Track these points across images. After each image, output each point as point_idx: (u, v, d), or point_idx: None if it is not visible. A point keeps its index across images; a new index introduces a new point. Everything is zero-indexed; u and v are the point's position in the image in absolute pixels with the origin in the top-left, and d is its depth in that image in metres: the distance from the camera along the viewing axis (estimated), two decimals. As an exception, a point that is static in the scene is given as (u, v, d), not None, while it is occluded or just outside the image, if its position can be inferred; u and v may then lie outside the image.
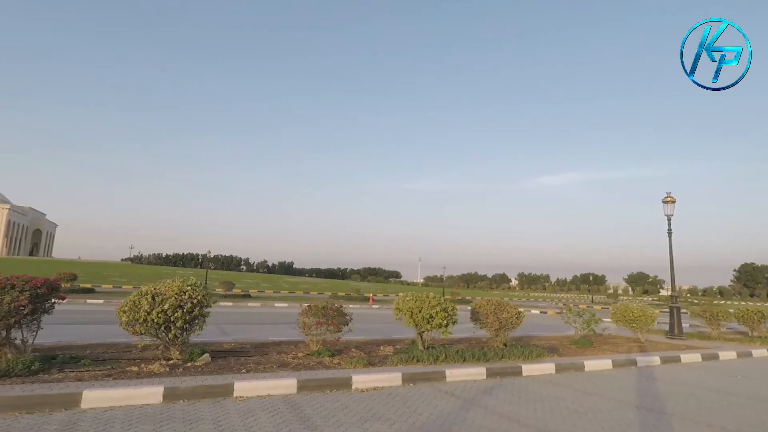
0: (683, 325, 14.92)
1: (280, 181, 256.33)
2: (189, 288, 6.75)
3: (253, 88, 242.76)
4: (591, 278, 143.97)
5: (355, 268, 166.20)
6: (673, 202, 15.16)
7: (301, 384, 5.83)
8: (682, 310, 16.38)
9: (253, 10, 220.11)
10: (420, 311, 8.18)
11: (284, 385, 5.75)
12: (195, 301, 6.65)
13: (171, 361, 6.59)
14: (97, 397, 4.84)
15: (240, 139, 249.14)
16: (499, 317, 9.35)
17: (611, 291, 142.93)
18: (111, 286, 35.25)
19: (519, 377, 7.56)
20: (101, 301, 22.21)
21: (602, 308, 34.24)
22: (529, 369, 7.85)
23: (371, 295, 40.20)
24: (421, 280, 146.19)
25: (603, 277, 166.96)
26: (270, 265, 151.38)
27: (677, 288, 16.81)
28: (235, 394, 5.43)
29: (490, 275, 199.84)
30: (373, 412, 5.05)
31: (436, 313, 8.14)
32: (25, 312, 5.77)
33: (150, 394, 5.06)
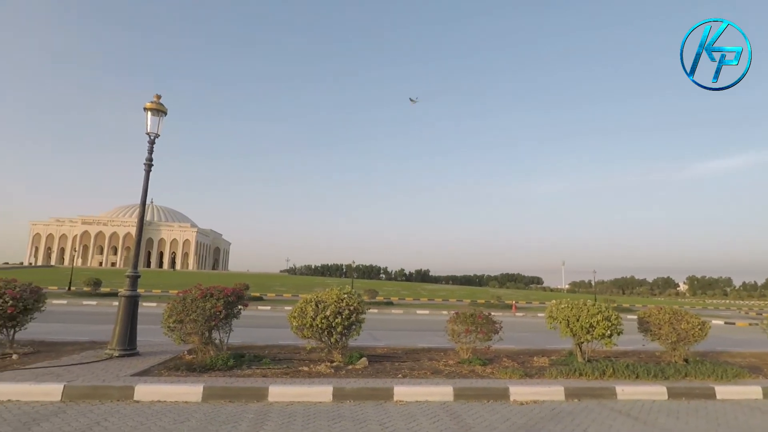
0: None
1: (414, 188, 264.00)
2: (346, 296, 7.30)
3: (369, 97, 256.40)
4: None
5: (492, 275, 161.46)
6: None
7: (457, 392, 5.80)
8: None
9: (355, 24, 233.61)
10: (578, 320, 7.53)
11: (441, 392, 5.79)
12: (351, 308, 7.16)
13: (334, 363, 7.17)
14: (280, 392, 5.51)
15: (366, 149, 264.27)
16: (677, 328, 8.07)
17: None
18: (274, 294, 40.10)
19: (711, 400, 6.38)
20: (269, 307, 25.43)
21: (817, 319, 27.18)
22: (725, 391, 6.57)
23: (514, 302, 38.49)
24: (566, 286, 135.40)
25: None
26: (407, 273, 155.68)
27: None
28: (395, 398, 5.65)
29: (650, 279, 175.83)
30: (538, 427, 4.75)
31: (597, 322, 7.41)
32: (221, 316, 6.90)
33: (321, 392, 5.57)
